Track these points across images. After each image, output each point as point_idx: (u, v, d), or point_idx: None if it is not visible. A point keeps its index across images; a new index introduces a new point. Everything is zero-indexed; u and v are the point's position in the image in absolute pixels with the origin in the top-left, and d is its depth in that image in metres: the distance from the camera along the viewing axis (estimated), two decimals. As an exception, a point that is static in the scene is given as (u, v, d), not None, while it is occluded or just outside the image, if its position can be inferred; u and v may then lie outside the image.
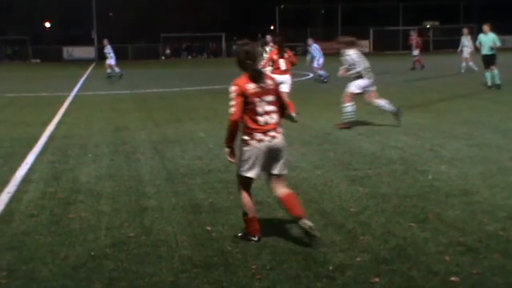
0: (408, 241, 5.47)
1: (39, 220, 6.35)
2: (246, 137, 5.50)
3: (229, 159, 5.69)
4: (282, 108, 5.66)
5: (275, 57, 13.90)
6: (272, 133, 5.50)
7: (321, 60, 25.69)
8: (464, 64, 27.33)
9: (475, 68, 26.23)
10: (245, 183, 5.66)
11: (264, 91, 5.48)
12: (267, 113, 5.48)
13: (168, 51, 66.21)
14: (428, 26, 65.84)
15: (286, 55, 13.97)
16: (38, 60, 60.14)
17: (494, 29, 20.27)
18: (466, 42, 27.24)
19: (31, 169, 8.85)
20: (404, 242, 5.44)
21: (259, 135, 5.46)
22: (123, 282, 4.74)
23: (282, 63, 13.87)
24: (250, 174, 5.56)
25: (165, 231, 5.93)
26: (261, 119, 5.46)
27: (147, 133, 12.09)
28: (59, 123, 13.97)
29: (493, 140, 10.28)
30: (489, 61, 19.66)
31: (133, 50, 64.27)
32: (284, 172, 5.73)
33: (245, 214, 5.68)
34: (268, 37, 16.01)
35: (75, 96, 21.49)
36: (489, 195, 6.93)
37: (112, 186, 7.76)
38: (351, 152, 9.57)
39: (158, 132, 12.29)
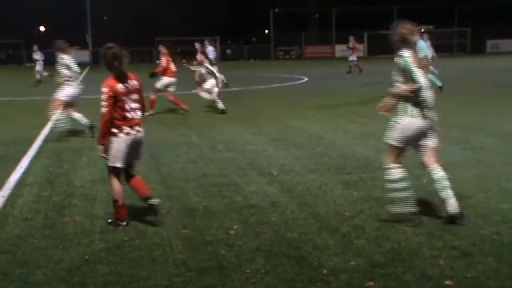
0: (402, 245, 5.48)
1: (33, 224, 6.33)
2: (115, 131, 6.12)
3: (102, 154, 6.26)
4: (143, 106, 6.37)
5: (169, 59, 16.11)
6: (137, 128, 6.21)
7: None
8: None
9: (435, 72, 27.01)
10: (116, 173, 6.27)
11: (130, 91, 6.17)
12: (133, 109, 6.17)
13: (162, 55, 66.14)
14: (422, 30, 66.01)
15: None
16: (33, 64, 59.92)
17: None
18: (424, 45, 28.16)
19: (25, 173, 8.83)
20: (399, 246, 5.45)
21: (127, 129, 6.14)
22: (117, 286, 4.74)
23: (173, 67, 16.26)
24: (119, 164, 6.20)
25: (159, 234, 5.93)
26: (128, 115, 6.13)
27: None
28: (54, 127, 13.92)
29: (487, 143, 10.31)
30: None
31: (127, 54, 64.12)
32: (138, 162, 6.47)
33: (115, 201, 6.28)
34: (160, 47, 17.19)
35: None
36: (484, 198, 6.95)
37: (106, 190, 7.73)
38: (345, 156, 9.58)
39: (152, 136, 12.25)
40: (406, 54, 6.09)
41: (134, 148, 6.24)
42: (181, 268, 5.05)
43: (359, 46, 32.87)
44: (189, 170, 8.83)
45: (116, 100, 6.05)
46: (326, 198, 7.16)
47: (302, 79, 29.06)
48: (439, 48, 61.84)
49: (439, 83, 20.19)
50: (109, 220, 6.30)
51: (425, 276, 4.80)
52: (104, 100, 6.03)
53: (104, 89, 6.06)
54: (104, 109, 6.03)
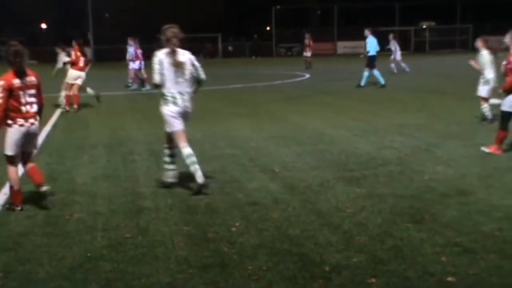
0: (404, 242, 5.48)
1: (36, 221, 6.34)
2: (10, 122, 6.61)
3: None
4: (40, 101, 6.89)
5: (78, 54, 17.05)
6: (31, 120, 6.71)
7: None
8: (393, 65, 29.51)
9: (407, 70, 29.15)
10: (11, 161, 6.79)
11: (27, 86, 6.66)
12: (28, 103, 6.65)
13: (163, 52, 66.14)
14: (424, 26, 65.89)
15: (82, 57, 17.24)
16: (35, 62, 60.03)
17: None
18: (394, 45, 30.03)
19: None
20: (401, 243, 5.45)
21: (21, 121, 6.63)
22: (119, 283, 4.75)
23: (82, 61, 17.20)
24: (12, 152, 6.73)
25: (161, 231, 5.93)
26: (23, 108, 6.62)
27: (143, 134, 12.08)
28: (56, 125, 13.96)
29: (488, 140, 10.28)
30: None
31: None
32: (35, 151, 7.18)
33: (11, 187, 6.83)
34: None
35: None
36: (485, 195, 6.95)
37: (109, 187, 7.76)
38: (346, 153, 9.58)
39: (154, 132, 12.26)
40: (159, 54, 7.40)
41: (29, 139, 6.80)
42: (183, 265, 5.05)
43: (313, 44, 36.42)
44: (191, 167, 8.81)
45: (11, 93, 6.52)
46: (328, 194, 7.16)
47: (304, 76, 29.03)
48: (441, 44, 62.03)
49: (382, 81, 21.39)
50: (7, 206, 6.90)
51: (427, 272, 4.80)
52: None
53: (0, 82, 6.54)
54: None
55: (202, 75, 7.61)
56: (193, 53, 7.79)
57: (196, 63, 7.56)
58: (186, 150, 7.47)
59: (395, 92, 19.70)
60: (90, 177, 8.37)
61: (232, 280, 4.75)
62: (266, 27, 70.33)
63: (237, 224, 6.10)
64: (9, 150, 6.73)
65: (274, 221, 6.19)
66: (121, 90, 23.77)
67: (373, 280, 4.68)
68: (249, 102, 18.11)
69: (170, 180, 7.67)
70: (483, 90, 12.20)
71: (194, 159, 7.40)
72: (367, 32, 22.91)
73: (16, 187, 6.81)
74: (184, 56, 7.45)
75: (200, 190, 7.25)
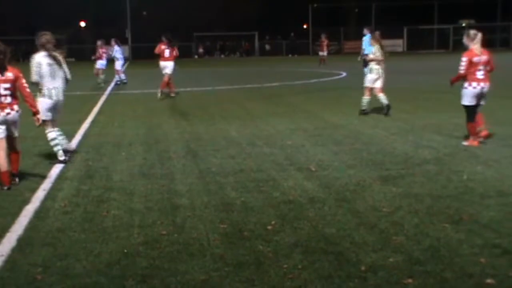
0: (441, 242, 5.40)
1: (73, 217, 6.42)
2: None
3: None
4: (15, 92, 7.93)
5: (162, 47, 19.80)
6: (7, 110, 7.78)
7: (122, 63, 26.78)
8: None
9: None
10: None
11: (3, 80, 7.72)
12: (3, 95, 7.75)
13: (201, 50, 66.49)
14: (463, 24, 64.99)
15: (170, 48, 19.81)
16: (73, 59, 60.93)
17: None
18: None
19: (65, 167, 8.96)
20: (438, 243, 5.38)
21: None
22: (155, 280, 4.77)
23: (167, 53, 19.70)
24: None
25: (197, 229, 5.95)
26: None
27: (179, 132, 12.15)
28: (93, 122, 14.13)
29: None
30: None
31: (166, 49, 64.59)
32: (16, 134, 8.04)
33: None
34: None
35: (109, 94, 21.71)
36: (526, 196, 6.81)
37: (145, 185, 7.82)
38: (384, 152, 9.49)
39: (191, 131, 12.35)
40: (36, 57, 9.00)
41: (8, 126, 7.83)
42: (219, 263, 5.06)
43: (328, 43, 40.77)
44: (227, 165, 8.85)
45: None
46: (364, 194, 7.10)
47: (341, 74, 28.88)
48: (481, 43, 61.05)
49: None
50: None
51: (465, 274, 4.72)
52: None
53: None
54: None
55: (69, 75, 9.32)
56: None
57: (65, 65, 9.20)
58: (51, 134, 9.20)
59: (433, 91, 19.45)
60: (127, 174, 8.44)
61: (268, 278, 4.73)
62: (303, 26, 70.14)
63: (273, 222, 6.09)
64: None
65: (309, 219, 6.16)
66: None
67: (410, 280, 4.62)
68: (286, 100, 18.09)
69: (62, 157, 9.16)
70: None
71: (56, 141, 9.19)
72: (365, 30, 22.61)
73: (3, 169, 7.70)
74: (57, 58, 9.08)
75: (64, 160, 9.13)
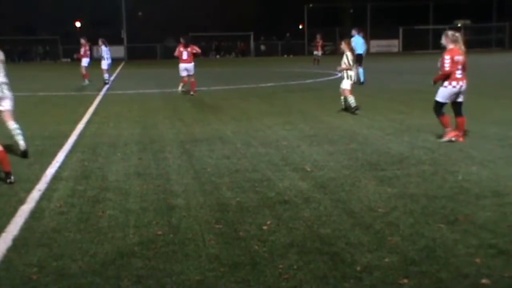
0: (437, 243, 5.41)
1: (69, 218, 6.41)
2: None
3: None
4: None
5: (181, 49, 20.26)
6: None
7: (109, 62, 26.70)
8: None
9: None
10: None
11: None
12: None
13: (196, 50, 66.45)
14: (459, 25, 65.14)
15: (188, 48, 20.28)
16: (69, 60, 60.89)
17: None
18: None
19: (61, 167, 8.95)
20: (433, 244, 5.38)
21: None
22: (150, 280, 4.77)
23: (185, 55, 20.21)
24: None
25: (192, 229, 5.95)
26: None
27: (175, 132, 12.15)
28: (89, 122, 14.11)
29: (525, 140, 10.13)
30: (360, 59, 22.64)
31: (162, 49, 64.66)
32: None
33: None
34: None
35: (104, 95, 21.68)
36: (521, 196, 6.82)
37: (140, 185, 7.81)
38: (379, 152, 9.51)
39: (186, 131, 12.34)
40: None
41: None
42: (214, 263, 5.06)
43: (322, 43, 42.38)
44: (222, 165, 8.85)
45: None
46: (360, 194, 7.11)
47: (336, 74, 28.88)
48: (477, 43, 61.22)
49: (362, 79, 22.41)
50: None
51: (460, 274, 4.73)
52: None
53: None
54: None
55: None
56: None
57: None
58: (12, 125, 9.57)
59: (428, 91, 19.47)
60: (122, 174, 8.44)
61: (263, 279, 4.73)
62: (298, 26, 70.19)
63: (268, 222, 6.09)
64: None
65: (305, 220, 6.17)
66: (154, 88, 23.94)
67: (405, 281, 4.63)
68: (282, 101, 18.09)
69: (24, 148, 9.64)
70: None
71: (18, 131, 9.57)
72: (354, 31, 23.48)
73: None
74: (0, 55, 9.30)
75: (24, 154, 9.57)
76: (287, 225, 6.01)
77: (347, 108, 14.42)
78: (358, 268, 4.87)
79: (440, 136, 10.48)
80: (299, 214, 6.37)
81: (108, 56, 26.42)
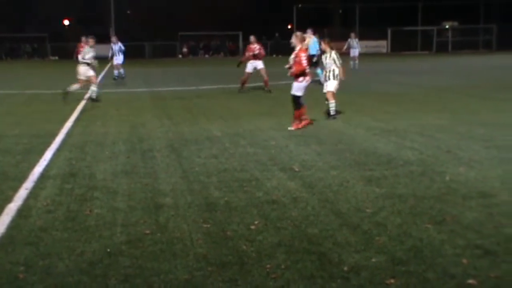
0: (424, 243, 5.43)
1: (56, 216, 6.39)
2: None
3: None
4: None
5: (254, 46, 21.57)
6: None
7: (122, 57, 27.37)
8: (352, 62, 32.84)
9: (357, 68, 32.14)
10: None
11: None
12: None
13: (185, 50, 66.33)
14: (446, 26, 65.42)
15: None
16: (56, 57, 60.60)
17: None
18: (354, 43, 33.70)
19: (48, 166, 8.91)
20: (421, 244, 5.41)
21: None
22: (138, 279, 4.76)
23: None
24: None
25: (180, 228, 5.94)
26: None
27: (163, 131, 12.12)
28: (77, 120, 14.05)
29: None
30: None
31: (150, 48, 64.47)
32: None
33: None
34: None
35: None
36: (508, 197, 6.87)
37: (128, 183, 7.79)
38: (366, 153, 9.53)
39: (175, 130, 12.32)
40: None
41: None
42: (202, 262, 5.06)
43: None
44: (210, 164, 8.84)
45: None
46: (347, 194, 7.13)
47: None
48: (464, 45, 61.53)
49: (321, 79, 22.22)
50: None
51: (447, 274, 4.75)
52: None
53: None
54: None
55: None
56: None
57: None
58: None
59: (416, 92, 19.56)
60: (110, 173, 8.41)
61: (251, 278, 4.74)
62: (287, 26, 70.22)
63: (256, 222, 6.09)
64: None
65: (293, 219, 6.17)
66: (143, 86, 23.87)
67: (392, 281, 4.65)
68: (270, 100, 18.09)
69: None
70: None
71: None
72: (309, 32, 23.68)
73: None
74: None
75: None
76: (275, 224, 6.01)
77: (328, 113, 13.78)
78: (346, 268, 4.89)
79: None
80: (287, 214, 6.38)
81: (120, 52, 27.18)
